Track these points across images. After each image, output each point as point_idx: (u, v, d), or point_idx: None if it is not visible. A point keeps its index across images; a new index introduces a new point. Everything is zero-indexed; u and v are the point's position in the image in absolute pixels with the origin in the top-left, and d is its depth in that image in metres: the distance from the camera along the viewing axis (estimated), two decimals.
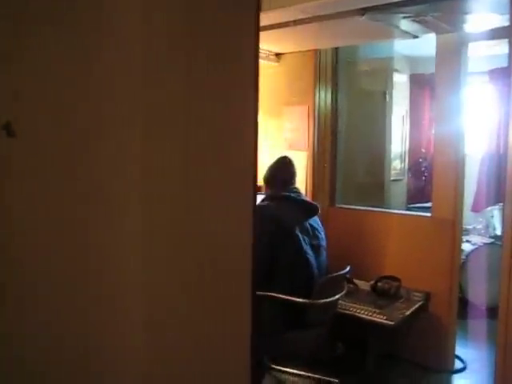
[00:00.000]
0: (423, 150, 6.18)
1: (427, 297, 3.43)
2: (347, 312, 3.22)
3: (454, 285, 3.45)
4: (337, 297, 2.88)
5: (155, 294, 0.87)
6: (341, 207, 4.03)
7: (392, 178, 5.35)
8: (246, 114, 1.03)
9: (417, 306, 3.32)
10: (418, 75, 6.04)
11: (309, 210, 3.00)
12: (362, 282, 3.64)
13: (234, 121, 1.02)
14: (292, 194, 2.96)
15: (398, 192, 5.67)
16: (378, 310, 3.22)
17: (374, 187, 4.73)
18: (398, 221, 3.70)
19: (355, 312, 3.22)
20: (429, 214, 3.52)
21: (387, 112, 4.97)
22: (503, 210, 2.44)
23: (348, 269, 2.93)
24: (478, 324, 4.26)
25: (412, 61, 5.97)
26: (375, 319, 3.13)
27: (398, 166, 5.73)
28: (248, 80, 1.04)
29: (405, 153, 5.89)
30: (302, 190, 3.82)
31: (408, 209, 5.21)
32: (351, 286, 3.54)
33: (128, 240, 0.83)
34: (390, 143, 5.02)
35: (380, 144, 4.94)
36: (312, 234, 2.96)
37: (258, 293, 2.65)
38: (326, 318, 2.93)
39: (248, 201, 1.06)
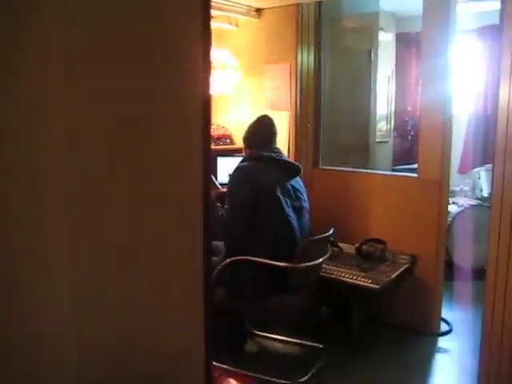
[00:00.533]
0: (409, 110, 6.05)
1: (413, 259, 3.34)
2: (331, 276, 3.13)
3: (441, 247, 3.37)
4: (320, 260, 2.77)
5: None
6: (324, 168, 3.91)
7: (377, 140, 5.23)
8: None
9: (402, 268, 3.24)
10: (404, 34, 5.86)
11: (290, 170, 2.87)
12: (347, 245, 3.54)
13: None
14: (273, 154, 2.83)
15: (384, 154, 5.56)
16: (362, 274, 3.13)
17: (359, 149, 4.61)
18: (384, 182, 3.59)
19: (339, 276, 3.13)
20: (415, 175, 3.41)
21: (372, 72, 4.82)
22: (492, 171, 2.33)
23: (331, 231, 2.83)
24: (464, 286, 4.21)
25: (398, 19, 5.78)
26: (360, 283, 3.04)
27: (384, 128, 5.60)
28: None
29: (390, 114, 5.75)
30: (284, 151, 3.68)
31: (394, 170, 5.11)
32: (335, 249, 3.45)
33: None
34: (376, 104, 4.88)
35: (365, 105, 4.80)
36: (294, 195, 2.84)
37: (237, 258, 2.54)
38: (310, 283, 2.83)
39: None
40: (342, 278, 3.11)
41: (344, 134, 4.41)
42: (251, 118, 4.00)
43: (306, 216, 2.93)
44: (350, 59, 4.56)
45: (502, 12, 2.48)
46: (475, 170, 4.82)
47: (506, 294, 2.40)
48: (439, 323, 3.48)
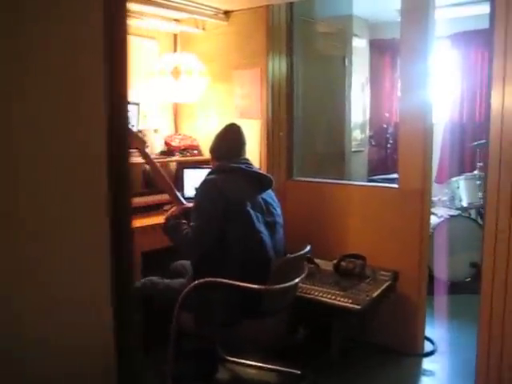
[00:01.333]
0: (386, 117, 5.89)
1: (395, 275, 3.12)
2: (308, 296, 2.89)
3: (423, 261, 3.16)
4: (296, 281, 2.53)
5: None
6: (298, 180, 3.68)
7: (352, 149, 5.05)
8: None
9: (384, 286, 3.02)
10: (377, 40, 5.73)
11: (261, 182, 2.64)
12: (324, 262, 3.31)
13: None
14: (242, 166, 2.59)
15: (359, 163, 5.39)
16: (341, 293, 2.90)
17: (334, 158, 4.42)
18: (362, 193, 3.38)
19: (317, 296, 2.90)
20: (395, 186, 3.21)
21: (347, 78, 4.65)
22: (485, 179, 2.13)
23: (308, 248, 2.59)
24: (443, 300, 4.04)
25: (371, 25, 5.66)
26: (339, 303, 2.81)
27: (359, 137, 5.45)
28: None
29: (365, 122, 5.60)
30: (256, 162, 3.45)
31: (369, 181, 4.94)
32: (312, 266, 3.22)
33: None
34: (350, 112, 4.71)
35: (340, 112, 4.62)
36: (266, 209, 2.60)
37: (205, 280, 2.26)
38: (285, 305, 2.59)
39: None
40: (319, 298, 2.88)
41: (318, 143, 4.20)
42: (220, 127, 3.75)
43: (280, 232, 2.69)
44: (324, 65, 4.37)
45: (492, 15, 2.31)
46: (453, 179, 4.66)
47: (505, 309, 2.19)
48: (423, 342, 3.27)
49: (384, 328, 3.20)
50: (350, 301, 2.81)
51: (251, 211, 2.49)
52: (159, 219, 3.29)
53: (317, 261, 3.28)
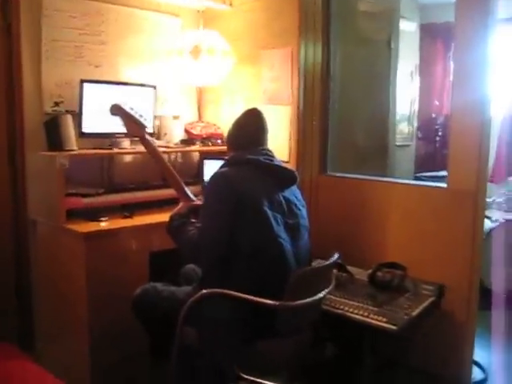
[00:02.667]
0: (437, 106, 5.36)
1: (440, 290, 2.67)
2: (336, 310, 2.49)
3: (475, 273, 2.69)
4: (320, 296, 2.13)
5: None
6: (333, 175, 3.25)
7: (397, 143, 4.57)
8: None
9: (427, 303, 2.56)
10: (429, 25, 5.20)
11: (283, 178, 2.24)
12: (358, 270, 2.89)
13: None
14: (261, 158, 2.20)
15: (405, 159, 4.90)
16: (376, 309, 2.48)
17: (376, 153, 3.95)
18: (405, 193, 2.93)
19: (347, 311, 2.48)
20: (444, 185, 2.74)
21: (392, 64, 4.16)
22: None
23: (336, 257, 2.18)
24: (498, 317, 3.53)
25: (422, 7, 5.14)
26: (372, 321, 2.39)
27: (405, 130, 4.96)
28: None
29: (413, 115, 5.10)
30: (284, 154, 3.06)
31: (416, 178, 4.45)
32: (343, 274, 2.80)
33: None
34: (395, 102, 4.23)
35: (383, 102, 4.14)
36: (288, 210, 2.19)
37: (210, 291, 1.79)
38: (306, 324, 2.19)
39: None
40: (349, 314, 2.46)
41: (357, 134, 3.75)
42: None
43: (305, 236, 2.28)
44: (366, 49, 3.90)
45: None
46: (511, 178, 4.12)
47: None
48: (471, 368, 2.80)
49: (425, 349, 2.76)
50: (385, 319, 2.39)
51: (268, 211, 2.09)
52: None
53: (349, 268, 2.86)
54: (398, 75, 4.18)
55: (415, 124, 5.14)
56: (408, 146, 5.04)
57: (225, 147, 3.44)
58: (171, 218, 2.29)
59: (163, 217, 2.88)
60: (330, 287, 2.24)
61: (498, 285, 3.72)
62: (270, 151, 2.29)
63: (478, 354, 2.88)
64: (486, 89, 2.58)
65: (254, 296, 1.95)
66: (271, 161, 2.22)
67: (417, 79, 5.05)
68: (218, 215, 2.06)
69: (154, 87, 3.19)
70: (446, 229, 2.70)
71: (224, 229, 2.04)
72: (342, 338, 2.66)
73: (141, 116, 2.45)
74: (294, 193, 2.27)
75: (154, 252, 2.73)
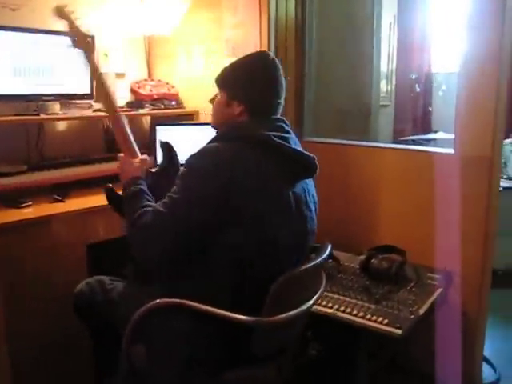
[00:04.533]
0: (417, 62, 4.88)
1: (448, 279, 2.21)
2: (323, 309, 2.00)
3: (488, 257, 2.24)
4: (308, 304, 1.60)
5: None
6: (311, 141, 2.71)
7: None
8: None
9: (435, 295, 2.10)
10: None
11: (299, 167, 1.58)
12: (346, 256, 2.42)
13: None
14: (273, 135, 1.51)
15: (384, 121, 4.41)
16: (372, 307, 2.00)
17: (358, 114, 3.43)
18: (401, 160, 2.43)
19: (337, 310, 2.00)
20: (451, 151, 2.25)
21: (376, 11, 3.62)
22: None
23: (328, 251, 1.65)
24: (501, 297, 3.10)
25: None
26: (370, 323, 1.91)
27: (384, 89, 4.46)
28: None
29: (391, 71, 4.60)
30: None
31: (397, 143, 3.97)
32: (330, 262, 2.31)
33: None
34: (380, 56, 3.71)
35: (365, 57, 3.61)
36: (296, 211, 1.57)
37: (169, 301, 1.45)
38: (289, 343, 1.67)
39: None
40: (340, 315, 1.98)
41: (337, 93, 3.21)
42: (205, 70, 2.80)
43: (311, 241, 1.69)
44: None
45: None
46: (506, 141, 3.68)
47: None
48: (481, 367, 2.38)
49: (429, 349, 2.30)
50: (387, 320, 1.91)
51: (272, 218, 1.49)
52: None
53: (336, 254, 2.36)
54: (382, 24, 3.64)
55: (393, 81, 4.65)
56: (386, 106, 4.55)
57: (180, 110, 2.90)
58: (128, 182, 1.69)
59: (104, 199, 2.32)
60: (321, 289, 1.72)
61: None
62: (286, 122, 1.63)
63: (488, 349, 2.45)
64: (505, 33, 2.08)
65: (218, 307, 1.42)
66: (286, 140, 1.57)
67: (395, 31, 4.54)
68: (202, 199, 1.44)
69: (92, 37, 2.55)
70: (452, 203, 2.22)
71: (199, 220, 1.45)
72: (328, 337, 2.17)
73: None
74: (305, 185, 1.64)
75: (92, 244, 2.16)
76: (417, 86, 4.71)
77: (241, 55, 2.54)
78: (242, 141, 1.49)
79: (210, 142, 1.54)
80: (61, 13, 1.87)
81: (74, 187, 2.40)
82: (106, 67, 2.74)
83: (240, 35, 2.60)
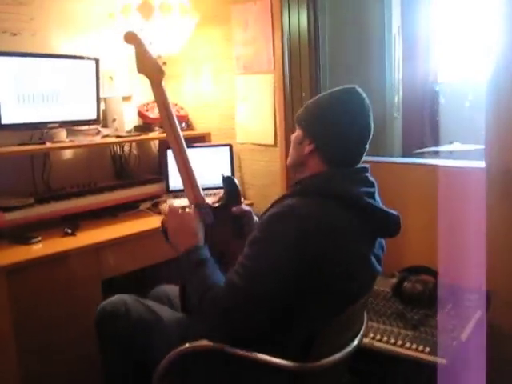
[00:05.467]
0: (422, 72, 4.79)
1: (486, 299, 2.08)
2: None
3: None
4: (354, 344, 1.46)
5: None
6: None
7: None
8: None
9: (475, 318, 1.97)
10: None
11: (383, 228, 1.40)
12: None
13: None
14: (360, 191, 1.35)
15: (391, 134, 4.29)
16: (410, 333, 1.87)
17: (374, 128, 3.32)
18: (428, 176, 2.30)
19: (373, 339, 1.87)
20: (481, 164, 2.13)
21: (386, 22, 3.52)
22: None
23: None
24: None
25: None
26: (411, 353, 1.78)
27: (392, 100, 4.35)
28: None
29: (398, 82, 4.49)
30: (269, 135, 2.42)
31: (405, 157, 3.87)
32: None
33: None
34: (391, 67, 3.61)
35: (377, 66, 3.51)
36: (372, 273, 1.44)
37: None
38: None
39: None
40: (377, 344, 1.85)
41: None
42: (217, 89, 2.70)
43: None
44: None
45: None
46: None
47: None
48: None
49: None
50: (428, 349, 1.77)
51: (356, 287, 1.35)
52: (135, 225, 2.28)
53: None
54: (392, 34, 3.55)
55: (401, 92, 4.55)
56: (395, 118, 4.44)
57: (191, 132, 2.78)
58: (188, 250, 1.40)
59: (117, 229, 2.19)
60: (364, 326, 1.58)
61: None
62: (370, 173, 1.42)
63: None
64: None
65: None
66: (373, 197, 1.39)
67: (399, 41, 4.45)
68: (279, 275, 1.23)
69: (97, 60, 2.45)
70: (484, 219, 2.09)
71: (279, 296, 1.24)
72: (363, 368, 2.03)
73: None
74: (380, 243, 1.47)
75: (107, 280, 2.03)
76: (441, 97, 4.62)
77: (252, 71, 2.47)
78: (330, 199, 1.29)
79: (299, 194, 1.32)
80: (133, 38, 1.67)
81: (84, 218, 2.28)
82: (111, 91, 2.64)
83: (251, 52, 2.49)
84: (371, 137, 1.40)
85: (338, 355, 1.36)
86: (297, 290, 1.23)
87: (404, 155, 4.03)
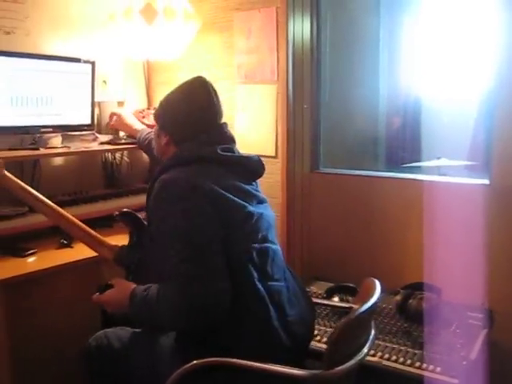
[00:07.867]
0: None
1: (490, 318, 2.08)
2: (366, 359, 1.82)
3: None
4: (364, 352, 1.43)
5: None
6: (329, 173, 2.56)
7: None
8: None
9: (481, 337, 1.96)
10: None
11: (249, 171, 1.59)
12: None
13: None
14: (219, 149, 1.51)
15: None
16: (418, 352, 1.84)
17: (366, 143, 3.32)
18: (428, 192, 2.29)
19: (381, 358, 1.84)
20: (485, 181, 2.14)
21: (381, 36, 3.55)
22: None
23: (377, 295, 1.47)
24: None
25: None
26: (422, 373, 1.75)
27: None
28: None
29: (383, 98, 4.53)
30: (270, 147, 2.37)
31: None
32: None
33: None
34: (385, 80, 3.64)
35: (371, 82, 3.52)
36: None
37: (205, 360, 1.31)
38: None
39: None
40: (385, 363, 1.82)
41: (349, 122, 3.09)
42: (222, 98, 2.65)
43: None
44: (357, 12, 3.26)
45: None
46: None
47: None
48: None
49: None
50: (439, 369, 1.75)
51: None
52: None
53: None
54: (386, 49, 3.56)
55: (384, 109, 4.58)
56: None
57: None
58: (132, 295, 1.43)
59: (116, 241, 2.09)
60: (371, 337, 1.55)
61: None
62: (227, 130, 1.60)
63: None
64: None
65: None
66: (233, 150, 1.57)
67: (385, 55, 4.48)
68: (210, 240, 1.35)
69: (93, 63, 2.35)
70: (486, 237, 2.10)
71: (219, 254, 1.35)
72: None
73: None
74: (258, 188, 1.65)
75: None
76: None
77: (254, 81, 2.42)
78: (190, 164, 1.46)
79: (165, 169, 1.47)
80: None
81: None
82: (105, 95, 2.54)
83: (254, 61, 2.44)
84: (220, 107, 1.58)
85: (350, 363, 1.32)
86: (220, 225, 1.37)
87: (388, 169, 4.05)
